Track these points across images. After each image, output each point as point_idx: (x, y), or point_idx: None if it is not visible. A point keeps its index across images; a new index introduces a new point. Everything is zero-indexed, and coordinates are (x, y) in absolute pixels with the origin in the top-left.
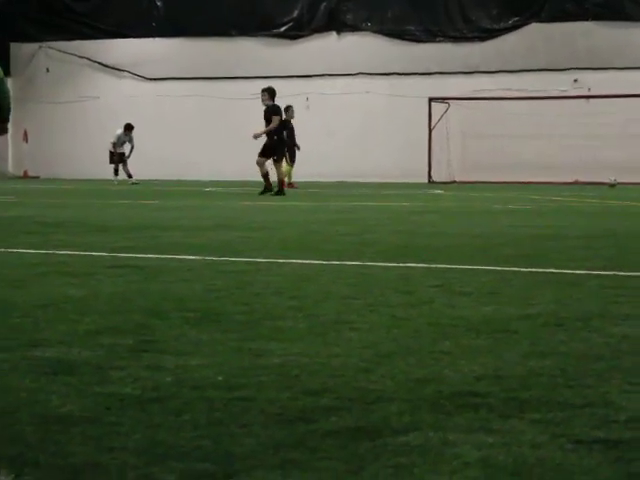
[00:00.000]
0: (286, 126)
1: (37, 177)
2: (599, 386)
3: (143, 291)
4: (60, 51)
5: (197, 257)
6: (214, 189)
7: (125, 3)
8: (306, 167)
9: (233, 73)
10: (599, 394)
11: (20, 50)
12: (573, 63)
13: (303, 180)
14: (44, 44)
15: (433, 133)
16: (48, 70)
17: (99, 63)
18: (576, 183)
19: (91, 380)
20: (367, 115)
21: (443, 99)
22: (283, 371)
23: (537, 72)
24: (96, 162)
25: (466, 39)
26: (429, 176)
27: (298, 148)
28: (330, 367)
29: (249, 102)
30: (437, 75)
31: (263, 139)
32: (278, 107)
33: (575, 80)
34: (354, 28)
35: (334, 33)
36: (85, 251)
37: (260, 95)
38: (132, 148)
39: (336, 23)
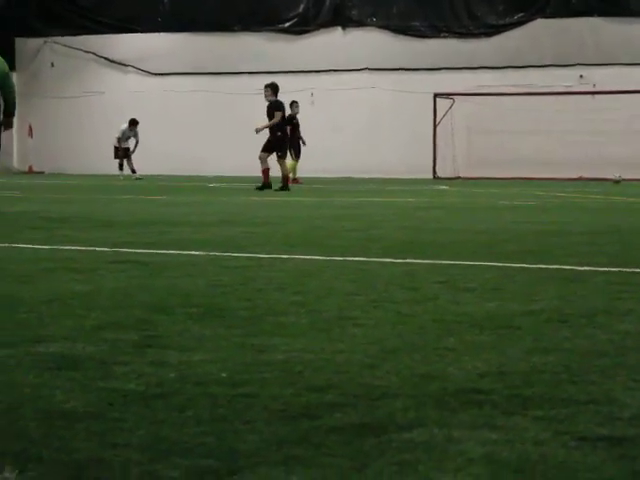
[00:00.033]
0: (291, 121)
1: (42, 172)
2: (603, 383)
3: (147, 286)
4: (65, 46)
5: (201, 252)
6: (218, 185)
7: None
8: (311, 163)
9: (238, 68)
10: (603, 391)
11: (25, 45)
12: (578, 59)
13: (308, 176)
14: (49, 39)
15: (438, 129)
16: (53, 65)
17: (104, 58)
18: (580, 179)
19: (95, 375)
20: (372, 111)
21: (448, 95)
22: (286, 367)
23: (542, 68)
24: (101, 157)
25: (471, 35)
26: (434, 172)
27: (304, 143)
28: (334, 363)
29: (254, 97)
30: (442, 71)
31: (267, 134)
32: (281, 103)
33: (580, 76)
34: (359, 23)
35: (339, 28)
36: (90, 246)
37: (263, 91)
38: (137, 143)
39: (341, 18)
